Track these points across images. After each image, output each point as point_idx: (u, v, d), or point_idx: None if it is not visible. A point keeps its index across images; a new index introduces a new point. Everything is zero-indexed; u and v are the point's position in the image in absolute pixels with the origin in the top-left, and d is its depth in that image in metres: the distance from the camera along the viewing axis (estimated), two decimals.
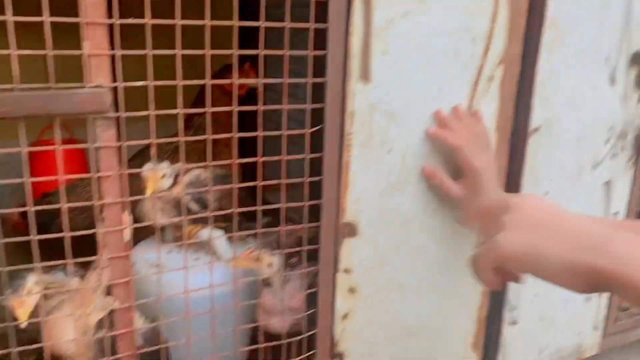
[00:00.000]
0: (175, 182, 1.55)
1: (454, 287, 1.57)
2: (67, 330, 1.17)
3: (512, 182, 1.58)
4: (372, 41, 1.26)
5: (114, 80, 1.04)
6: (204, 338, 1.29)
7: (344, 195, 1.33)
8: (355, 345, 1.47)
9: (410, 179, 1.40)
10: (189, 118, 2.21)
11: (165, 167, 1.47)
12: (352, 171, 1.32)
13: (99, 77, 1.03)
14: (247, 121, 1.37)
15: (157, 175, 1.44)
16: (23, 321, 1.13)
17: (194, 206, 1.61)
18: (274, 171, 1.35)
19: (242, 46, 1.14)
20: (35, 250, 1.10)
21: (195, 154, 2.15)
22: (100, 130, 1.06)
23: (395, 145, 1.36)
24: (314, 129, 1.27)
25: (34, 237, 1.09)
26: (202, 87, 2.20)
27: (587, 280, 0.76)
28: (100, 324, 1.20)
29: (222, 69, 2.19)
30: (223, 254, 1.66)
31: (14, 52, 0.96)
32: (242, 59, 2.35)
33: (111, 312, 1.20)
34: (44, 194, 2.06)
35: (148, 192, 1.42)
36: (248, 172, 2.53)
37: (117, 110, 1.07)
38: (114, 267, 1.15)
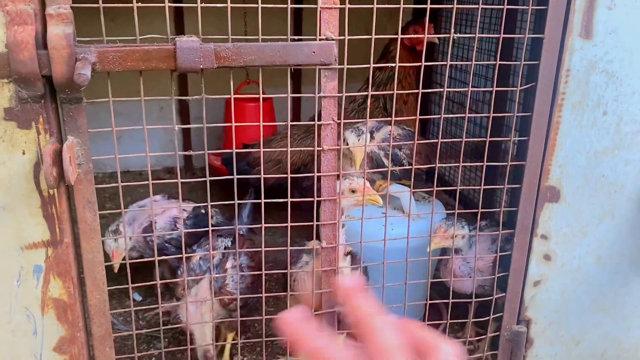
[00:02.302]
0: (371, 138, 1.61)
1: None
2: (309, 283, 1.29)
3: None
4: None
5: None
6: (388, 287, 1.34)
7: (549, 157, 1.29)
8: (545, 314, 1.43)
9: (624, 145, 1.31)
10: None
11: (365, 140, 1.50)
12: (561, 132, 1.27)
13: (327, 30, 1.10)
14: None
15: (362, 149, 1.49)
16: None
17: (386, 162, 1.66)
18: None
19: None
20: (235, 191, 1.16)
21: (375, 111, 2.21)
22: (325, 80, 1.14)
23: (610, 108, 1.28)
24: (526, 87, 1.23)
25: (235, 176, 1.15)
26: (386, 45, 2.25)
27: None
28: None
29: (404, 27, 2.22)
30: (409, 209, 1.70)
31: (260, 5, 1.07)
32: (420, 15, 2.36)
33: None
34: (244, 145, 2.25)
35: (356, 165, 1.49)
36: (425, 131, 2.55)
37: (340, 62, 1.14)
38: (325, 209, 1.24)
